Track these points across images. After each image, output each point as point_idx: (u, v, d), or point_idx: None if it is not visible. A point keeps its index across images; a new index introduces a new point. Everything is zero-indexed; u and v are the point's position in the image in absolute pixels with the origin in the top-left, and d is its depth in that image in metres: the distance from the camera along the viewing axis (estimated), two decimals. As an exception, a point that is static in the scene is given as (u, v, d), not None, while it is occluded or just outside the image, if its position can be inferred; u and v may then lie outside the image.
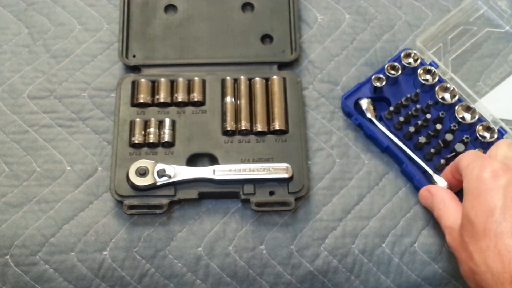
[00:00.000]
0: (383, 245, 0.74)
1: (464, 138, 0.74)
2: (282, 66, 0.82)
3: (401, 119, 0.76)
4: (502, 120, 0.76)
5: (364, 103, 0.78)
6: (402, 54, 0.79)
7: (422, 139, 0.75)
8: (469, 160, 0.65)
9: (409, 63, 0.79)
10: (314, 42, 0.84)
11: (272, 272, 0.73)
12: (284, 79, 0.80)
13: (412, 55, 0.79)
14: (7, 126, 0.79)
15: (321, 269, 0.73)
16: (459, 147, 0.74)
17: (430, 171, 0.74)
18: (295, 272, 0.73)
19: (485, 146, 0.75)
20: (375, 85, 0.78)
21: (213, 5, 0.85)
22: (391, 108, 0.77)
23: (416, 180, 0.75)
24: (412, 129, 0.75)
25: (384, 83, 0.78)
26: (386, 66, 0.78)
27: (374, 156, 0.78)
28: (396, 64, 0.79)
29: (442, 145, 0.74)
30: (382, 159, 0.78)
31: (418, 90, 0.77)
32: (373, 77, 0.78)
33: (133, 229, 0.74)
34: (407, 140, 0.76)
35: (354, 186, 0.77)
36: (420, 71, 0.78)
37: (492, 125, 0.75)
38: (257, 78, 0.80)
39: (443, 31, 0.82)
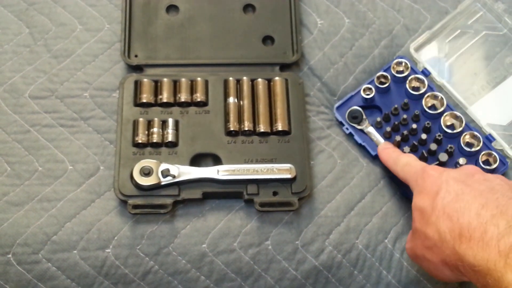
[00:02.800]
0: (386, 240, 0.75)
1: (448, 147, 0.76)
2: (284, 67, 0.82)
3: (388, 129, 0.78)
4: (494, 125, 0.77)
5: (358, 113, 0.80)
6: (394, 63, 0.81)
7: (406, 149, 0.77)
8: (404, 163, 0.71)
9: (401, 71, 0.80)
10: (314, 48, 0.85)
11: (278, 267, 0.74)
12: (286, 80, 0.81)
13: (403, 64, 0.80)
14: (9, 126, 0.79)
15: (326, 264, 0.74)
16: (442, 156, 0.76)
17: None
18: (300, 267, 0.74)
19: (471, 154, 0.77)
20: (364, 96, 0.79)
21: (214, 6, 0.85)
22: (378, 119, 0.79)
23: (402, 190, 0.77)
24: (398, 138, 0.77)
25: (373, 94, 0.79)
26: (376, 76, 0.80)
27: (372, 161, 0.80)
28: (386, 74, 0.80)
29: (426, 155, 0.76)
30: (379, 164, 0.79)
31: (405, 100, 0.79)
32: (362, 88, 0.80)
33: (136, 226, 0.74)
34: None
35: (356, 184, 0.78)
36: (410, 79, 0.79)
37: (477, 134, 0.76)
38: (259, 79, 0.81)
39: (438, 35, 0.83)
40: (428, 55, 0.83)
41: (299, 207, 0.75)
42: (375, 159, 0.79)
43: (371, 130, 0.79)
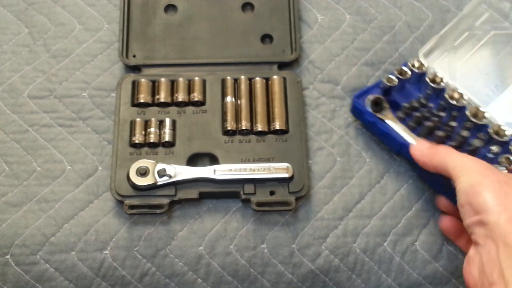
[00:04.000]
0: (385, 244, 0.74)
1: (480, 135, 0.73)
2: (282, 66, 0.82)
3: (418, 114, 0.75)
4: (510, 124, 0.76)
5: (381, 100, 0.77)
6: (409, 63, 0.78)
7: (440, 133, 0.73)
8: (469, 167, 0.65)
9: (417, 70, 0.78)
10: (315, 43, 0.84)
11: (273, 271, 0.73)
12: (285, 79, 0.80)
13: (417, 64, 0.78)
14: (7, 125, 0.79)
15: (323, 268, 0.73)
16: (477, 142, 0.72)
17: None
18: (296, 271, 0.73)
19: (499, 144, 0.74)
20: (387, 85, 0.76)
21: (213, 5, 0.85)
22: (406, 105, 0.76)
23: (437, 182, 0.73)
24: (430, 123, 0.74)
25: (395, 83, 0.76)
26: (394, 71, 0.77)
27: (375, 154, 0.78)
28: (404, 68, 0.78)
29: (462, 139, 0.73)
30: (383, 157, 0.78)
31: (428, 91, 0.76)
32: (384, 77, 0.77)
33: (134, 228, 0.74)
34: (422, 138, 0.75)
35: (355, 184, 0.77)
36: (427, 76, 0.77)
37: (502, 127, 0.74)
38: (257, 78, 0.80)
39: (446, 39, 0.82)
40: (438, 60, 0.81)
41: (295, 210, 0.74)
42: (398, 152, 0.77)
43: (393, 121, 0.76)
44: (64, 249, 0.73)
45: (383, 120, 0.76)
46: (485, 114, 0.74)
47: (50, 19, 0.85)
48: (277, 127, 0.77)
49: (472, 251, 0.62)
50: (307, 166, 0.75)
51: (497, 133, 0.74)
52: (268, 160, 0.75)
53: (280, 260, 0.73)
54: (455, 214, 0.71)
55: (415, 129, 0.76)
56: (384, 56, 0.84)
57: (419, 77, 0.78)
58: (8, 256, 0.72)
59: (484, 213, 0.60)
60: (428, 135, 0.75)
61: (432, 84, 0.77)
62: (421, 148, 0.71)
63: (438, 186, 0.74)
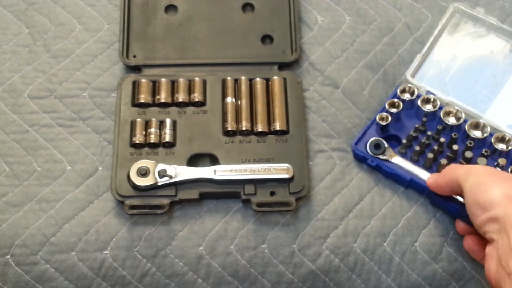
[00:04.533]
0: (385, 244, 0.74)
1: (483, 151, 0.74)
2: (282, 66, 0.82)
3: (417, 148, 0.75)
4: (510, 126, 0.76)
5: (380, 142, 0.77)
6: (398, 90, 0.79)
7: (443, 161, 0.74)
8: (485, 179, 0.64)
9: (407, 98, 0.79)
10: (315, 44, 0.84)
11: (274, 271, 0.73)
12: (285, 79, 0.80)
13: (407, 89, 0.79)
14: (8, 126, 0.79)
15: (323, 268, 0.73)
16: (481, 161, 0.74)
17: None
18: (297, 271, 0.73)
19: (504, 156, 0.75)
20: (381, 124, 0.77)
21: (213, 6, 0.85)
22: (404, 141, 0.77)
23: (450, 205, 0.73)
24: (430, 155, 0.75)
25: (389, 120, 0.77)
26: (386, 105, 0.78)
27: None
28: (395, 100, 0.78)
29: (464, 163, 0.74)
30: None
31: (424, 119, 0.77)
32: (377, 116, 0.77)
33: (134, 228, 0.74)
34: (427, 168, 0.76)
35: (355, 186, 0.77)
36: (419, 101, 0.77)
37: (506, 134, 0.75)
38: (257, 79, 0.80)
39: (429, 55, 0.82)
40: (426, 77, 0.81)
41: (296, 210, 0.74)
42: (407, 188, 0.77)
43: (398, 159, 0.76)
44: (64, 249, 0.73)
45: (388, 161, 0.77)
46: (485, 122, 0.75)
47: (50, 19, 0.85)
48: (278, 128, 0.77)
49: (488, 249, 0.62)
50: (307, 167, 0.75)
51: (502, 140, 0.74)
52: (268, 160, 0.75)
53: (281, 260, 0.73)
54: (475, 234, 0.71)
55: (419, 161, 0.77)
56: (384, 58, 0.84)
57: (412, 103, 0.79)
58: (8, 256, 0.72)
59: (492, 208, 0.60)
60: (432, 164, 0.76)
61: (425, 107, 0.77)
62: (433, 177, 0.72)
63: (454, 210, 0.74)
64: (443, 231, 0.75)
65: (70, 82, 0.82)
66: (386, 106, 0.78)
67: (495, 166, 0.74)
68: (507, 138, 0.75)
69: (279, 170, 0.74)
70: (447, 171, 0.69)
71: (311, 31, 0.85)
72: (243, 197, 0.73)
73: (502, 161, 0.74)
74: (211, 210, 0.75)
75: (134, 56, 0.82)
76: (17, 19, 0.85)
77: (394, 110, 0.78)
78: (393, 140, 0.79)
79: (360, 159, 0.78)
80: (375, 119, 0.78)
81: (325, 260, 0.73)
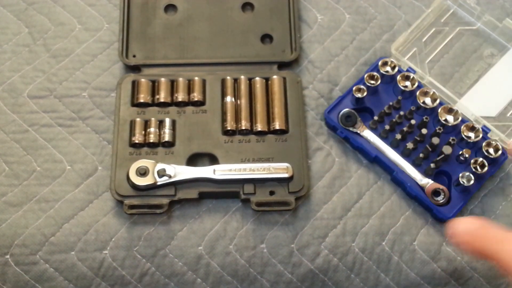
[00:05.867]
0: (383, 243, 0.74)
1: (450, 140, 0.74)
2: (282, 66, 0.82)
3: (387, 127, 0.76)
4: (483, 117, 0.76)
5: (352, 114, 0.78)
6: (380, 63, 0.79)
7: (409, 145, 0.75)
8: None
9: (387, 71, 0.79)
10: (314, 42, 0.84)
11: (273, 271, 0.73)
12: (284, 79, 0.80)
13: (389, 63, 0.79)
14: (7, 125, 0.79)
15: (322, 268, 0.73)
16: (446, 149, 0.74)
17: (418, 175, 0.75)
18: (296, 270, 0.73)
19: (470, 146, 0.76)
20: (357, 96, 0.77)
21: (213, 5, 0.85)
22: (375, 117, 0.77)
23: (408, 187, 0.75)
24: (398, 136, 0.76)
25: (365, 93, 0.77)
26: (365, 76, 0.78)
27: (370, 160, 0.78)
28: (374, 73, 0.78)
29: (430, 149, 0.75)
30: (378, 164, 0.78)
31: (399, 97, 0.77)
32: (354, 88, 0.78)
33: (133, 228, 0.74)
34: (394, 147, 0.77)
35: (354, 184, 0.77)
36: (398, 78, 0.78)
37: (476, 125, 0.75)
38: (257, 78, 0.80)
39: (416, 35, 0.82)
40: (409, 55, 0.81)
41: (295, 209, 0.74)
42: (372, 162, 0.78)
43: (367, 133, 0.77)
44: (64, 249, 0.73)
45: (357, 133, 0.77)
46: (457, 109, 0.75)
47: (50, 19, 0.85)
48: (277, 127, 0.77)
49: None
50: (306, 166, 0.75)
51: (472, 129, 0.75)
52: (268, 160, 0.75)
53: (280, 259, 0.73)
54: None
55: (388, 138, 0.77)
56: (383, 56, 0.83)
57: (391, 78, 0.79)
58: (8, 256, 0.72)
59: None
60: (400, 143, 0.76)
61: (403, 85, 0.77)
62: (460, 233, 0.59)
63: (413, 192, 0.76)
64: (442, 230, 0.75)
65: (70, 82, 0.82)
66: (365, 77, 0.78)
67: (459, 156, 0.75)
68: (477, 128, 0.75)
69: (279, 169, 0.74)
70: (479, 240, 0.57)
71: (311, 29, 0.85)
72: (243, 196, 0.73)
73: (466, 151, 0.74)
74: (210, 209, 0.75)
75: (134, 56, 0.82)
76: (17, 18, 0.85)
77: (372, 82, 0.78)
78: (367, 113, 0.79)
79: (331, 128, 0.79)
80: (351, 90, 0.78)
81: (324, 260, 0.73)
